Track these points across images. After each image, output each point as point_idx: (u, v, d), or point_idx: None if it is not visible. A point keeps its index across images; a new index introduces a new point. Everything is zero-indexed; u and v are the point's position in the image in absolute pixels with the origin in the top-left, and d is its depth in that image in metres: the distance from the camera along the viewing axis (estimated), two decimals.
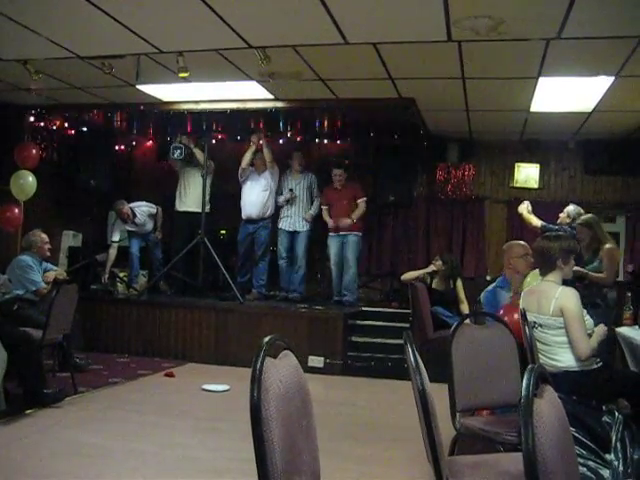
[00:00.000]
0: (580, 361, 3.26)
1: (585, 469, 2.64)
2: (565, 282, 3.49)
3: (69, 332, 5.28)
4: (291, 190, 7.75)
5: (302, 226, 7.78)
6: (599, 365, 3.35)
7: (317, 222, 7.88)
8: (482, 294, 4.46)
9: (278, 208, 7.87)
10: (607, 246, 5.25)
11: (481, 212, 8.63)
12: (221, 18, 4.58)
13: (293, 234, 7.82)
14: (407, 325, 6.55)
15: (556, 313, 3.29)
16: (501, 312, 3.92)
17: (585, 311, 3.41)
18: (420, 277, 6.59)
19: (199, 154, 7.86)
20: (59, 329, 5.11)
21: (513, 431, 2.84)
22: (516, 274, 4.32)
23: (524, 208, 6.07)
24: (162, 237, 8.31)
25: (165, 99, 7.20)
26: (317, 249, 8.15)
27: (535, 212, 6.14)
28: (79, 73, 6.17)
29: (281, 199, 7.80)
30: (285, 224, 7.82)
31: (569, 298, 3.30)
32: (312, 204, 7.86)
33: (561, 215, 6.04)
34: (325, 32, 4.75)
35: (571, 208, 6.01)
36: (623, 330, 4.56)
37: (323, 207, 7.76)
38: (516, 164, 8.55)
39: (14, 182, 7.30)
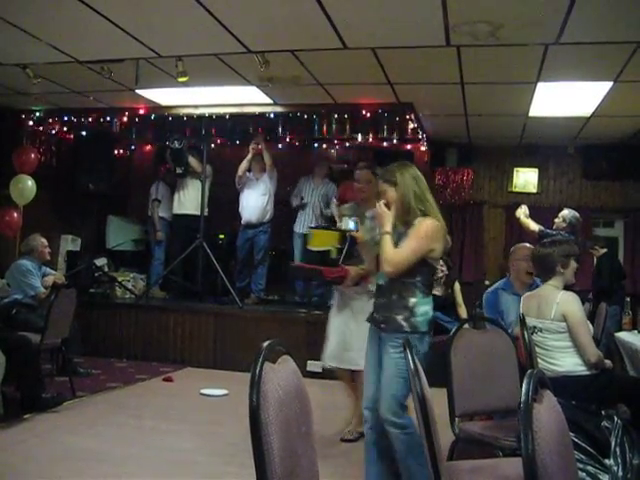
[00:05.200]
0: (589, 365, 3.26)
1: (584, 474, 2.63)
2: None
3: (67, 336, 5.28)
4: (302, 198, 7.88)
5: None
6: (598, 370, 3.35)
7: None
8: (484, 295, 4.44)
9: (293, 212, 7.94)
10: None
11: (480, 217, 8.64)
12: (220, 23, 4.58)
13: (306, 237, 7.85)
14: None
15: (557, 318, 3.29)
16: None
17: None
18: None
19: (195, 163, 7.86)
20: (57, 333, 5.10)
21: (512, 436, 2.83)
22: (517, 277, 4.30)
23: (521, 212, 6.06)
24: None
25: (164, 103, 7.21)
26: None
27: (533, 217, 6.14)
28: (78, 77, 6.17)
29: (294, 203, 7.94)
30: (298, 227, 7.89)
31: (571, 303, 3.31)
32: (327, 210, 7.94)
33: (556, 220, 6.03)
34: (324, 37, 4.76)
35: (566, 212, 6.01)
36: (622, 335, 4.56)
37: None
38: (515, 169, 8.57)
39: (13, 186, 7.30)
